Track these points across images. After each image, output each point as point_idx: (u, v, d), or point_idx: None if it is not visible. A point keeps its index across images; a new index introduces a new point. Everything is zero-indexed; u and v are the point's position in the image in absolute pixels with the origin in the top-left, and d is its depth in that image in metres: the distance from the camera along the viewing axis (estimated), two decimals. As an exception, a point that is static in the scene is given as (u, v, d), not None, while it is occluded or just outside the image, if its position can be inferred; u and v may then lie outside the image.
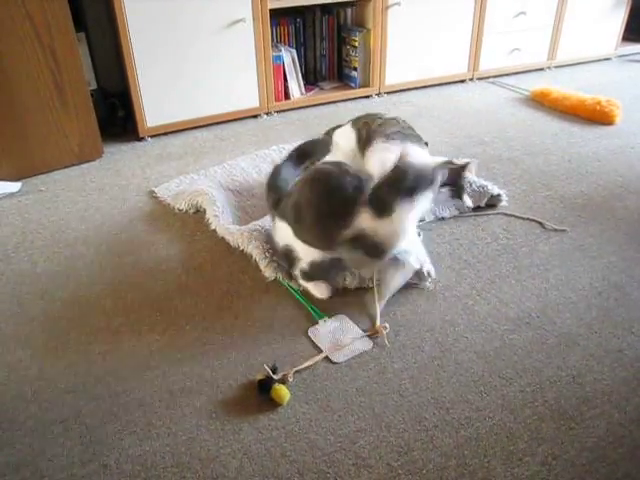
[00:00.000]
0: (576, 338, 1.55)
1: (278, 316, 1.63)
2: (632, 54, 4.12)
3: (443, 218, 2.08)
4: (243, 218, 2.04)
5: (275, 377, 1.39)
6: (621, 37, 3.98)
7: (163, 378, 1.44)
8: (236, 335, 1.58)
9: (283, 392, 1.36)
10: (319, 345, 1.52)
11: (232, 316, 1.64)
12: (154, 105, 2.74)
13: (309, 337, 1.55)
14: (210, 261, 1.87)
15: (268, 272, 1.74)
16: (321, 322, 1.58)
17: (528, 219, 2.08)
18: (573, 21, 3.72)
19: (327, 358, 1.48)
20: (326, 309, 1.65)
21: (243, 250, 1.84)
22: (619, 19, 3.90)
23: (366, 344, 1.52)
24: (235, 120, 2.97)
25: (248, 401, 1.37)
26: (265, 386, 1.37)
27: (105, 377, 1.45)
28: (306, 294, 1.70)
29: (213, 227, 1.97)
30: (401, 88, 3.28)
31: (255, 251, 1.79)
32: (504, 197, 2.18)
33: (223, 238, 1.93)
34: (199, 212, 2.13)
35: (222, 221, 1.96)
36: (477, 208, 2.13)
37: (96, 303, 1.71)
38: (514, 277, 1.78)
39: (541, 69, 3.82)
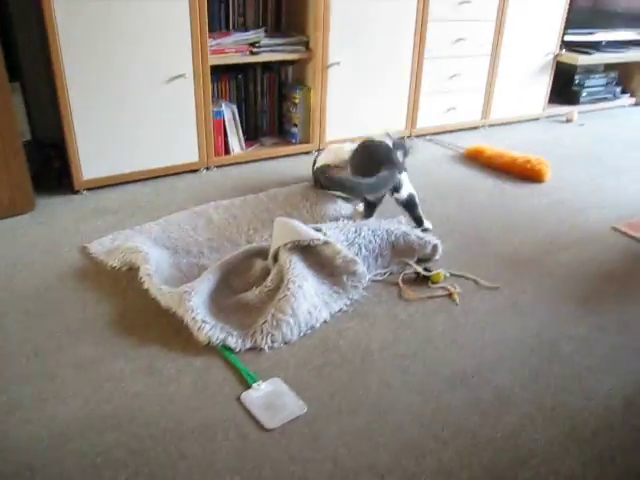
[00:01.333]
0: (510, 397, 1.54)
1: (210, 380, 1.57)
2: (558, 115, 4.32)
3: (381, 276, 2.07)
4: (177, 277, 1.98)
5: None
6: (547, 99, 4.17)
7: (83, 449, 1.34)
8: (166, 401, 1.49)
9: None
10: (251, 411, 1.46)
11: (163, 381, 1.56)
12: (91, 157, 2.67)
13: (241, 402, 1.49)
14: (141, 322, 1.80)
15: (201, 336, 1.68)
16: (254, 386, 1.52)
17: (463, 276, 2.09)
18: (504, 83, 3.88)
19: (259, 424, 1.42)
20: (262, 371, 1.59)
21: (175, 312, 1.78)
22: (545, 83, 4.10)
23: (300, 408, 1.47)
24: (174, 174, 2.93)
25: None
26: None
27: (25, 447, 1.34)
28: (240, 356, 1.64)
29: (146, 286, 1.91)
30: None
31: (186, 315, 1.73)
32: (439, 249, 2.20)
33: (156, 298, 1.85)
34: (132, 269, 2.05)
35: (155, 280, 1.89)
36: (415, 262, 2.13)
37: (18, 368, 1.60)
38: (449, 336, 1.77)
39: (475, 127, 3.94)
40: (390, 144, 2.42)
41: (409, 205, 2.35)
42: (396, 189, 2.30)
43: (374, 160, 2.31)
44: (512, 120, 4.08)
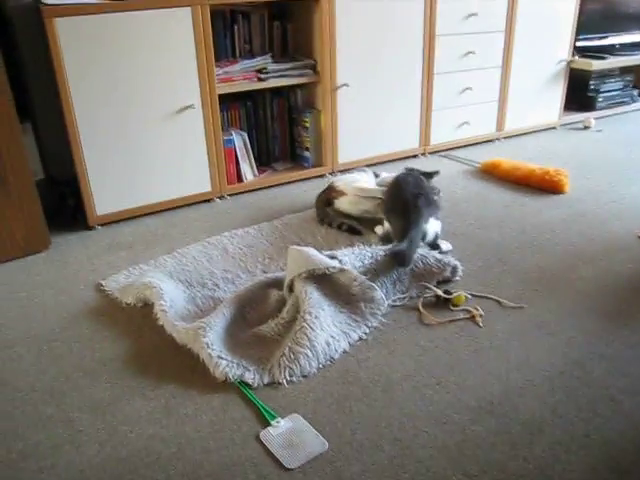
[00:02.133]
0: (541, 424, 1.48)
1: (228, 418, 1.53)
2: (574, 122, 4.25)
3: (400, 301, 2.02)
4: (193, 312, 1.96)
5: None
6: (563, 107, 4.10)
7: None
8: (183, 442, 1.46)
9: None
10: (271, 450, 1.41)
11: (180, 421, 1.53)
12: (103, 192, 2.68)
13: (260, 441, 1.44)
14: (157, 360, 1.77)
15: (217, 372, 1.65)
16: (274, 423, 1.48)
17: (485, 297, 2.04)
18: (517, 94, 3.83)
19: (280, 463, 1.37)
20: (281, 407, 1.55)
21: (191, 348, 1.75)
22: (559, 90, 4.04)
23: (321, 445, 1.42)
24: (187, 205, 2.92)
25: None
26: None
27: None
28: (258, 393, 1.61)
29: (161, 323, 1.88)
30: (355, 166, 3.28)
31: (202, 351, 1.70)
32: (459, 270, 2.16)
33: (171, 335, 1.83)
34: (147, 306, 2.03)
35: (170, 316, 1.87)
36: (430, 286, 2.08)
37: (34, 413, 1.58)
38: (473, 361, 1.72)
39: (490, 141, 3.89)
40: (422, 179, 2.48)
41: (434, 244, 2.32)
42: (423, 238, 2.27)
43: (403, 201, 2.30)
44: (527, 131, 4.03)
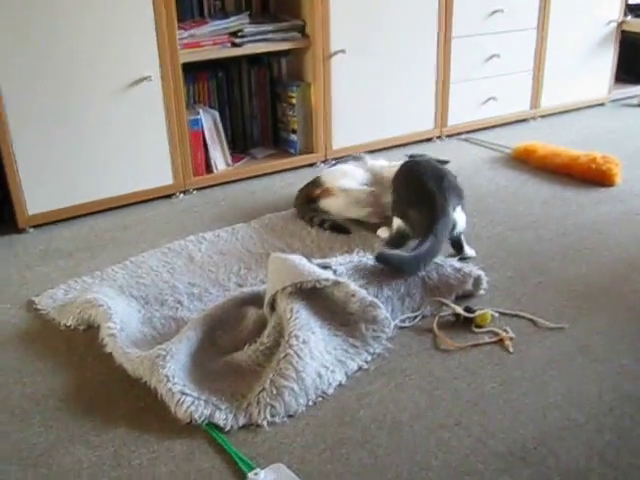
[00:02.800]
0: (588, 475, 1.49)
1: (194, 470, 1.53)
2: (627, 98, 4.28)
3: (410, 322, 2.03)
4: (149, 336, 1.96)
5: None
6: (613, 79, 4.13)
7: None
8: (137, 501, 1.46)
9: None
10: (248, 509, 1.41)
11: (132, 474, 1.52)
12: (37, 187, 2.67)
13: (235, 498, 1.45)
14: (104, 397, 1.77)
15: (180, 412, 1.64)
16: (251, 476, 1.49)
17: (516, 315, 2.05)
18: (556, 62, 3.87)
19: (260, 527, 1.38)
20: (260, 455, 1.55)
21: (147, 382, 1.75)
22: (608, 58, 4.07)
23: (312, 503, 1.42)
24: (143, 202, 2.92)
25: None
26: None
27: None
28: (232, 437, 1.61)
29: (109, 350, 1.89)
30: (353, 152, 3.28)
31: (160, 385, 1.70)
32: (484, 282, 2.17)
33: (122, 365, 1.83)
34: (92, 329, 2.03)
35: (120, 342, 1.87)
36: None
37: (-54, 466, 1.57)
38: (502, 396, 1.73)
39: (523, 120, 3.92)
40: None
41: (457, 243, 2.37)
42: (452, 228, 2.29)
43: (424, 190, 2.31)
44: (570, 108, 4.06)
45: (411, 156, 2.76)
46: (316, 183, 2.74)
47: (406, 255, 2.14)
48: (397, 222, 2.38)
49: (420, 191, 2.32)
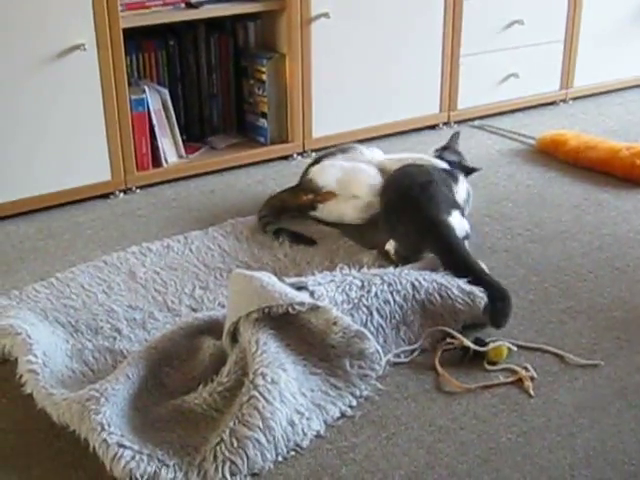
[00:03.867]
0: None
1: (133, 542, 1.54)
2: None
3: (406, 356, 2.06)
4: (79, 373, 1.96)
5: None
6: (665, 52, 4.17)
7: None
8: None
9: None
10: None
11: None
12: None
13: None
14: (23, 449, 1.77)
15: (117, 469, 1.64)
16: None
17: (539, 349, 2.07)
18: (594, 31, 3.89)
19: None
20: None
21: (75, 431, 1.75)
22: (658, 27, 4.11)
23: None
24: (73, 203, 2.92)
25: None
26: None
27: None
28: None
29: (29, 390, 1.88)
30: (338, 142, 3.30)
31: (92, 435, 1.70)
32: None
33: (44, 409, 1.83)
34: (8, 362, 2.04)
35: (43, 380, 1.87)
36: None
37: None
38: (520, 450, 1.74)
39: (551, 103, 3.95)
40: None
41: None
42: None
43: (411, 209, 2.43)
44: (609, 88, 4.09)
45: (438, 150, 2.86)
46: (305, 186, 2.75)
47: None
48: (391, 244, 2.45)
49: (404, 203, 2.42)
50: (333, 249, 2.56)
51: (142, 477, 1.63)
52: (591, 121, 3.73)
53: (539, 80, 3.86)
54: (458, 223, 2.39)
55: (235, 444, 1.67)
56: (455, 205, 2.46)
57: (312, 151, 3.30)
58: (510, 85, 3.77)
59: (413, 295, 2.11)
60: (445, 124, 3.66)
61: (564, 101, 3.98)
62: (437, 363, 2.01)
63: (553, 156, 3.33)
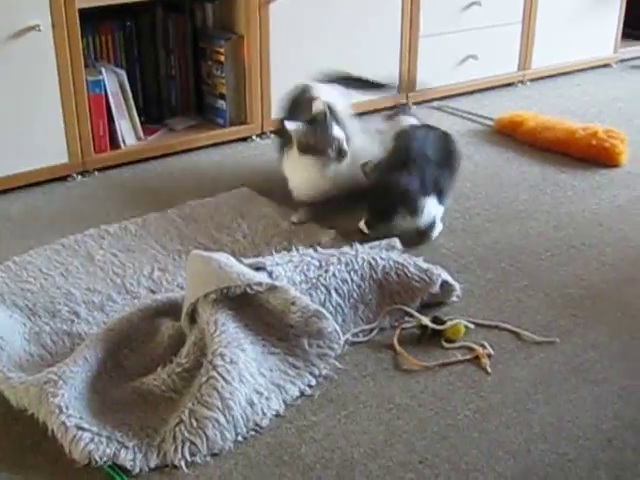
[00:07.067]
0: (578, 521, 1.53)
1: (92, 524, 1.54)
2: (637, 57, 4.36)
3: (365, 335, 2.07)
4: (37, 356, 1.96)
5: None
6: (620, 35, 4.20)
7: None
8: None
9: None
10: None
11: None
12: None
13: None
14: (-21, 433, 1.76)
15: (77, 452, 1.64)
16: (163, 529, 1.50)
17: (496, 327, 2.09)
18: (551, 13, 3.92)
19: None
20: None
21: (34, 414, 1.75)
22: (614, 10, 4.14)
23: None
24: (29, 186, 2.90)
25: None
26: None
27: None
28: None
29: (-16, 374, 1.87)
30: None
31: (51, 418, 1.69)
32: (457, 289, 2.21)
33: (2, 393, 1.82)
34: (-38, 347, 2.02)
35: (1, 364, 1.86)
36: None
37: None
38: (477, 426, 1.76)
39: (509, 84, 3.97)
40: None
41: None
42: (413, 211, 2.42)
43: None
44: (567, 69, 4.13)
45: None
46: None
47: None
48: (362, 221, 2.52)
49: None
50: (292, 230, 2.57)
51: (101, 459, 1.63)
52: (549, 102, 3.75)
53: (497, 61, 3.88)
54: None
55: (194, 424, 1.68)
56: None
57: (271, 132, 3.29)
58: (468, 66, 3.79)
59: (370, 274, 2.13)
60: (404, 104, 3.65)
61: (522, 82, 4.01)
62: (395, 342, 2.03)
63: (511, 137, 3.35)
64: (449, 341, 2.03)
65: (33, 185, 2.91)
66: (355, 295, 2.10)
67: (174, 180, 2.99)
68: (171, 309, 2.03)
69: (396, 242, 2.37)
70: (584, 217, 2.68)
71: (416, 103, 3.69)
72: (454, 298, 2.20)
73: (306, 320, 1.93)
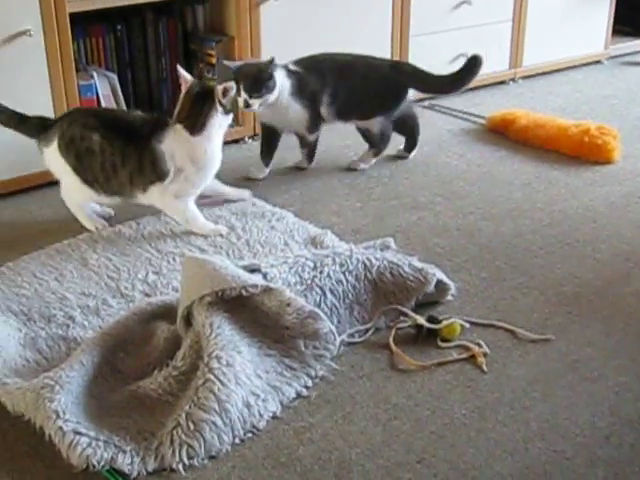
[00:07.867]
0: (577, 519, 1.54)
1: (91, 529, 1.54)
2: (628, 54, 4.36)
3: (360, 336, 2.07)
4: (34, 361, 1.95)
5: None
6: (610, 31, 4.20)
7: None
8: None
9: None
10: None
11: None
12: None
13: None
14: (-24, 439, 1.76)
15: (74, 456, 1.64)
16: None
17: (492, 326, 2.09)
18: (542, 10, 3.93)
19: None
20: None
21: (31, 420, 1.74)
22: (605, 7, 4.14)
23: None
24: (23, 191, 2.89)
25: None
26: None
27: None
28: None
29: (-19, 380, 1.87)
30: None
31: (48, 423, 1.69)
32: (452, 288, 2.22)
33: (-2, 399, 1.83)
34: (-42, 354, 2.01)
35: (-4, 370, 1.87)
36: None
37: None
38: (474, 425, 1.76)
39: (501, 82, 3.97)
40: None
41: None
42: None
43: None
44: (558, 67, 4.13)
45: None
46: None
47: None
48: None
49: None
50: (287, 231, 2.56)
51: (99, 463, 1.63)
52: (540, 100, 3.76)
53: (488, 60, 3.85)
54: None
55: (192, 427, 1.68)
56: None
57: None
58: (459, 65, 3.77)
59: (365, 275, 2.13)
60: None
61: (513, 80, 4.01)
62: (391, 342, 2.03)
63: (503, 135, 3.36)
64: (445, 340, 2.03)
65: (26, 190, 2.91)
66: (350, 296, 2.10)
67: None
68: (166, 312, 2.03)
69: (390, 242, 2.38)
70: (578, 214, 2.69)
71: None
72: (449, 297, 2.21)
73: (302, 321, 1.93)
